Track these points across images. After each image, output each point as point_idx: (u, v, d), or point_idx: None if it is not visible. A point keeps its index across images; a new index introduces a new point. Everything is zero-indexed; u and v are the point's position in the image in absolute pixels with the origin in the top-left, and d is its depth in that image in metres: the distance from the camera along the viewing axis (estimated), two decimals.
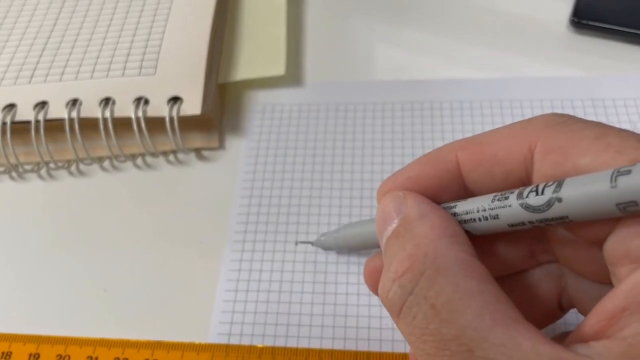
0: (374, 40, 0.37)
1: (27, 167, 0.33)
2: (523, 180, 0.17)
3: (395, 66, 0.35)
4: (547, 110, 0.31)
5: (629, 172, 0.14)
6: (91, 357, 0.26)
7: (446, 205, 0.19)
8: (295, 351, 0.25)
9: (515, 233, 0.18)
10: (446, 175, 0.19)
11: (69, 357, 0.26)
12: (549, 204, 0.15)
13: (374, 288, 0.21)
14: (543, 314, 0.20)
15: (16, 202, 0.32)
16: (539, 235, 0.20)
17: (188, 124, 0.32)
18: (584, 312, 0.19)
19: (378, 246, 0.25)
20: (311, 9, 0.39)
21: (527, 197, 0.16)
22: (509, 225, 0.17)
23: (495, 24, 0.36)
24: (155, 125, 0.31)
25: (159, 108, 0.31)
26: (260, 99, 0.34)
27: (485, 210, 0.17)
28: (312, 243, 0.28)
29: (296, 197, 0.30)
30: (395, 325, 0.25)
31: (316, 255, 0.28)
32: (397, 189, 0.19)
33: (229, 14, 0.37)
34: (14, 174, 0.33)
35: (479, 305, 0.15)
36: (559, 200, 0.15)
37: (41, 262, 0.30)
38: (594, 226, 0.16)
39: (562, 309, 0.20)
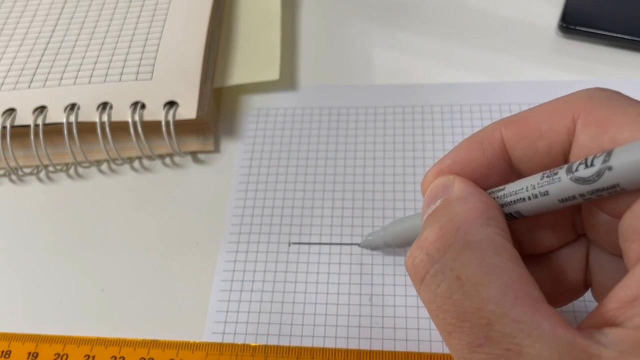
0: (367, 45, 0.37)
1: (27, 170, 0.33)
2: (566, 153, 0.17)
3: (387, 70, 0.36)
4: None
5: None
6: (88, 356, 0.27)
7: (495, 188, 0.19)
8: (288, 349, 0.26)
9: (558, 210, 0.18)
10: (493, 154, 0.19)
11: (67, 355, 0.27)
12: (599, 174, 0.15)
13: None
14: (570, 289, 0.21)
15: (16, 205, 0.33)
16: (578, 208, 0.20)
17: (184, 127, 0.32)
18: (597, 286, 0.20)
19: None
20: (305, 14, 0.39)
21: (576, 170, 0.16)
22: (559, 200, 0.17)
23: (486, 29, 0.37)
24: (151, 129, 0.32)
25: (155, 112, 0.31)
26: (255, 103, 0.35)
27: (534, 187, 0.17)
28: (358, 245, 0.29)
29: (289, 199, 0.31)
30: (384, 324, 0.26)
31: (309, 256, 0.29)
32: (446, 174, 0.19)
33: (224, 19, 0.37)
34: (13, 177, 0.34)
35: (503, 282, 0.15)
36: (609, 168, 0.15)
37: (40, 263, 0.30)
38: (616, 199, 0.16)
39: (586, 286, 0.20)
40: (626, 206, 0.16)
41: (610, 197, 0.16)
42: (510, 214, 0.18)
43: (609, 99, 0.17)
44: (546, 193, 0.17)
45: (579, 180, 0.16)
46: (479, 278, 0.15)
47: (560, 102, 0.18)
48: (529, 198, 0.17)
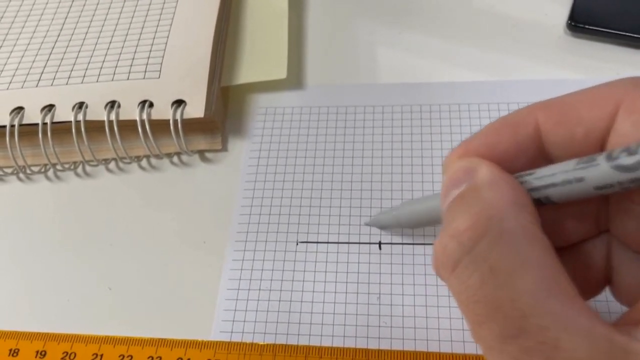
0: (374, 43, 0.37)
1: (35, 168, 0.33)
2: (604, 141, 0.17)
3: (394, 69, 0.36)
4: None
5: None
6: (96, 355, 0.27)
7: (522, 172, 0.18)
8: (296, 348, 0.26)
9: (583, 202, 0.17)
10: (525, 138, 0.18)
11: (75, 354, 0.27)
12: None
13: None
14: (588, 286, 0.20)
15: (24, 203, 0.33)
16: (605, 202, 0.19)
17: (192, 126, 0.32)
18: (618, 284, 0.19)
19: (439, 222, 0.24)
20: (312, 14, 0.39)
21: (617, 157, 0.15)
22: (595, 187, 0.16)
23: (494, 28, 0.37)
24: (159, 127, 0.32)
25: (163, 111, 0.31)
26: (263, 102, 0.35)
27: (568, 172, 0.17)
28: (366, 222, 0.29)
29: (297, 198, 0.31)
30: (393, 324, 0.26)
31: (316, 255, 0.29)
32: (472, 155, 0.18)
33: (232, 18, 0.37)
34: (21, 175, 0.34)
35: (539, 274, 0.15)
36: None
37: (48, 261, 0.30)
38: None
39: (606, 283, 0.20)
40: None
41: None
42: (538, 199, 0.18)
43: None
44: (581, 179, 0.16)
45: (620, 168, 0.15)
46: (514, 269, 0.15)
47: (602, 88, 0.17)
48: (562, 183, 0.17)
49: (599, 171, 0.16)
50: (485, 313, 0.15)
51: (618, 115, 0.16)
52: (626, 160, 0.15)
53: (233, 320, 0.27)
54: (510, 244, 0.15)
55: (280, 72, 0.34)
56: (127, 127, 0.32)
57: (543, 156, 0.18)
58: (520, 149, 0.18)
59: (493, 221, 0.16)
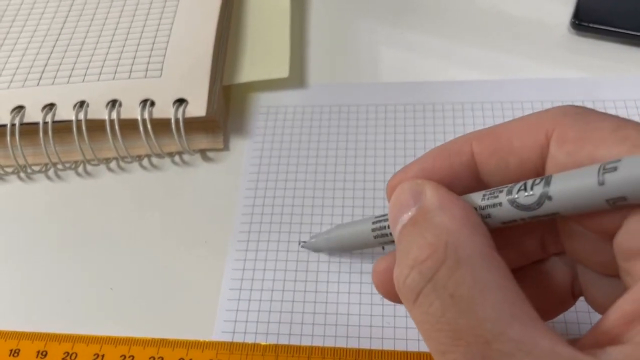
0: (377, 42, 0.37)
1: (35, 168, 0.33)
2: (538, 169, 0.17)
3: (397, 68, 0.35)
4: None
5: (615, 169, 0.14)
6: (98, 355, 0.26)
7: None
8: (298, 349, 0.26)
9: (526, 226, 0.17)
10: (460, 167, 0.18)
11: (76, 354, 0.26)
12: (539, 203, 0.16)
13: (385, 289, 0.20)
14: (556, 302, 0.20)
15: (24, 203, 0.32)
16: (550, 226, 0.19)
17: (193, 125, 0.32)
18: (592, 301, 0.19)
19: (370, 246, 0.25)
20: (314, 12, 0.39)
21: (516, 195, 0.16)
22: (502, 223, 0.17)
23: (497, 26, 0.37)
24: (161, 126, 0.31)
25: (164, 110, 0.31)
26: (264, 100, 0.35)
27: (476, 210, 0.17)
28: (302, 245, 0.29)
29: (299, 197, 0.31)
30: (396, 324, 0.26)
31: (319, 255, 0.28)
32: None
33: (234, 16, 0.37)
34: (22, 174, 0.33)
35: (499, 299, 0.15)
36: (549, 198, 0.15)
37: (49, 261, 0.30)
38: (603, 218, 0.15)
39: (574, 296, 0.20)
40: (615, 224, 0.15)
41: (596, 218, 0.16)
42: None
43: (582, 114, 0.17)
44: (489, 216, 0.17)
45: (520, 207, 0.16)
46: (473, 295, 0.15)
47: (533, 117, 0.18)
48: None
49: (501, 209, 0.17)
50: (447, 342, 0.15)
51: (551, 145, 0.17)
52: (525, 199, 0.16)
53: (235, 321, 0.27)
54: (468, 270, 0.15)
55: (282, 71, 0.34)
56: (129, 126, 0.31)
57: (479, 183, 0.19)
58: (456, 177, 0.19)
59: (449, 248, 0.16)
